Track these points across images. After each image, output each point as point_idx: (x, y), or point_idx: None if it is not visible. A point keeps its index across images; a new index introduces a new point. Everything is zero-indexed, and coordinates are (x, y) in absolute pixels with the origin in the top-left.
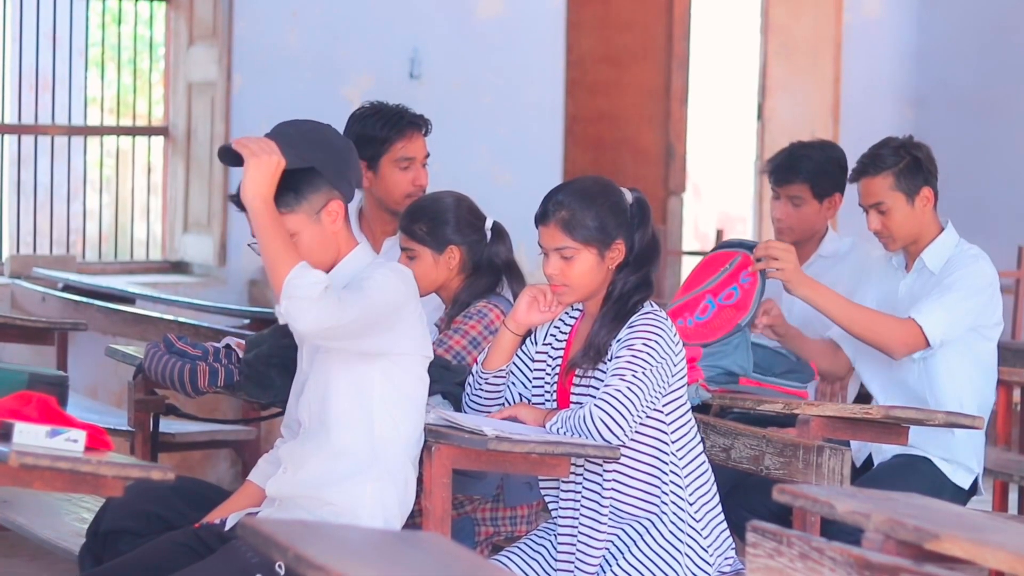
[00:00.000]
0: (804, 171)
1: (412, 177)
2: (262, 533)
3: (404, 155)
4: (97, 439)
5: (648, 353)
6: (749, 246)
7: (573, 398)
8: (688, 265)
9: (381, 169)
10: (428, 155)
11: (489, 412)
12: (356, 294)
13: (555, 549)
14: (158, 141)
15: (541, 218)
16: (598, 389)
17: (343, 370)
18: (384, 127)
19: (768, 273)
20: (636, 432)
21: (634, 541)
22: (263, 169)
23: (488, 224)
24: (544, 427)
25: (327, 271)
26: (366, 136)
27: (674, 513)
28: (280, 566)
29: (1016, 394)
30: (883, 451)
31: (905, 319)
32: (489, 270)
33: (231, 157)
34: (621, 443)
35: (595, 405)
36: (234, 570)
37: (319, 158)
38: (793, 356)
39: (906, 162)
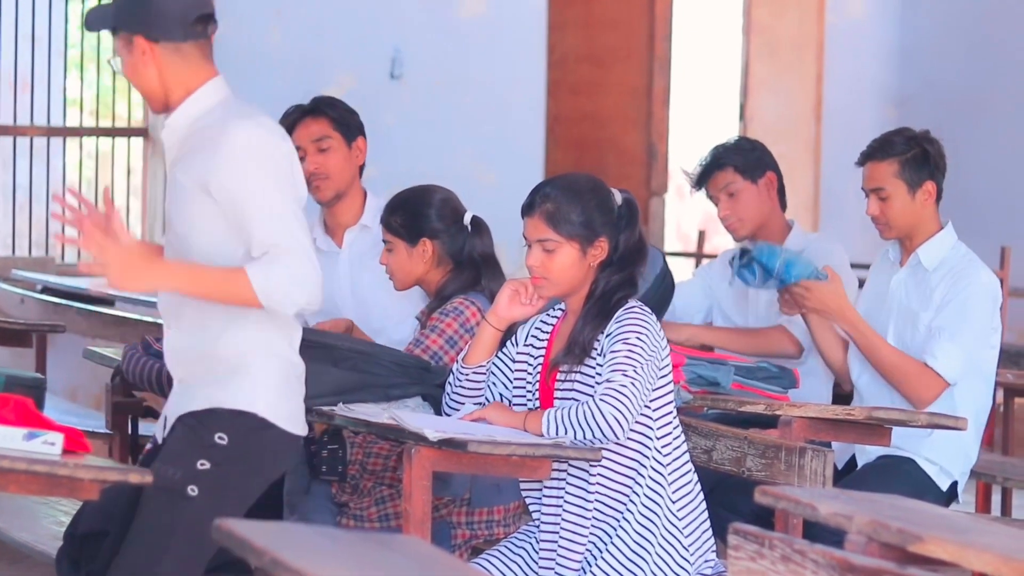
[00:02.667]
0: (723, 158)
1: (304, 166)
2: (237, 536)
3: (295, 145)
4: (75, 442)
5: (642, 347)
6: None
7: (557, 395)
8: (671, 268)
9: None
10: (323, 137)
11: (470, 409)
12: (274, 225)
13: (536, 551)
14: (137, 142)
15: (527, 209)
16: (584, 386)
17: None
18: (284, 126)
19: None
20: None
21: (610, 539)
22: (134, 277)
23: (467, 218)
24: (523, 429)
25: (177, 105)
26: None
27: (647, 507)
28: (193, 490)
29: (999, 395)
30: (867, 452)
31: (922, 366)
32: (470, 264)
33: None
34: (622, 437)
35: (602, 400)
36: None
37: (116, 15)
38: (775, 367)
39: (914, 153)
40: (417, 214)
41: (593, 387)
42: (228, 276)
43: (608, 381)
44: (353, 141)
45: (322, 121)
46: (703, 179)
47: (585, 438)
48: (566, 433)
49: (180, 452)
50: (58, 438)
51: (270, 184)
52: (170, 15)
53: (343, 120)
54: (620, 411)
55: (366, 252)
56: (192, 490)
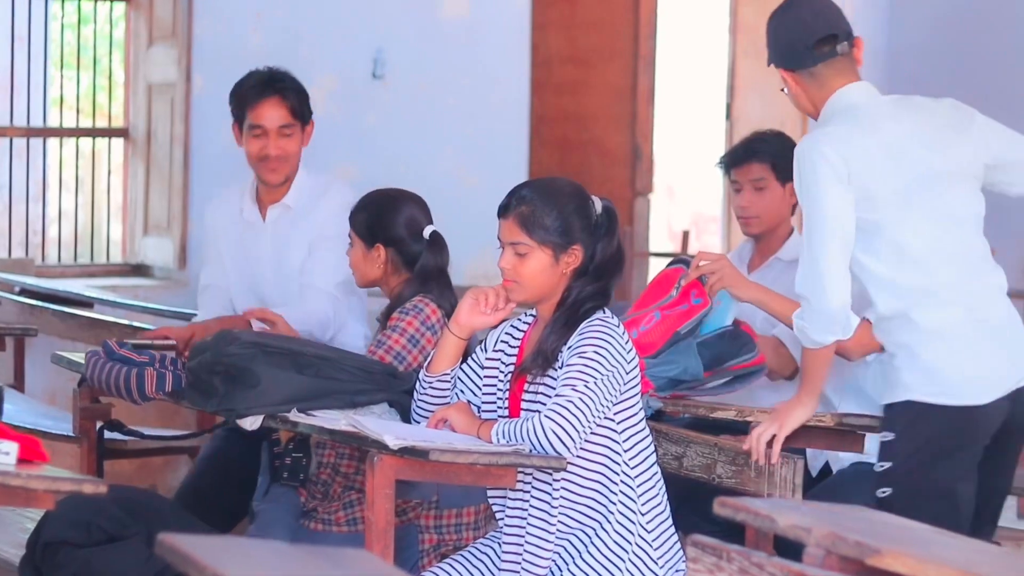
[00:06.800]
0: (763, 152)
1: (261, 145)
2: (179, 551)
3: (252, 122)
4: (31, 451)
5: (599, 361)
6: (688, 262)
7: (524, 404)
8: (656, 267)
9: (244, 134)
10: (288, 124)
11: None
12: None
13: (499, 558)
14: (118, 143)
15: (502, 210)
16: (547, 397)
17: None
18: (240, 94)
19: (707, 285)
20: (586, 440)
21: (579, 553)
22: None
23: (427, 232)
24: (477, 436)
25: None
26: (233, 107)
27: (620, 523)
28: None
29: None
30: (841, 459)
31: (859, 320)
32: (422, 277)
33: None
34: (569, 453)
35: (546, 416)
36: None
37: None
38: (724, 330)
39: None
40: (381, 219)
41: None
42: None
43: (557, 396)
44: (306, 126)
45: (285, 107)
46: (736, 164)
47: (533, 452)
48: (513, 445)
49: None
50: (12, 447)
51: None
52: (793, 48)
53: (301, 107)
54: (564, 428)
55: (289, 231)
56: (883, 492)
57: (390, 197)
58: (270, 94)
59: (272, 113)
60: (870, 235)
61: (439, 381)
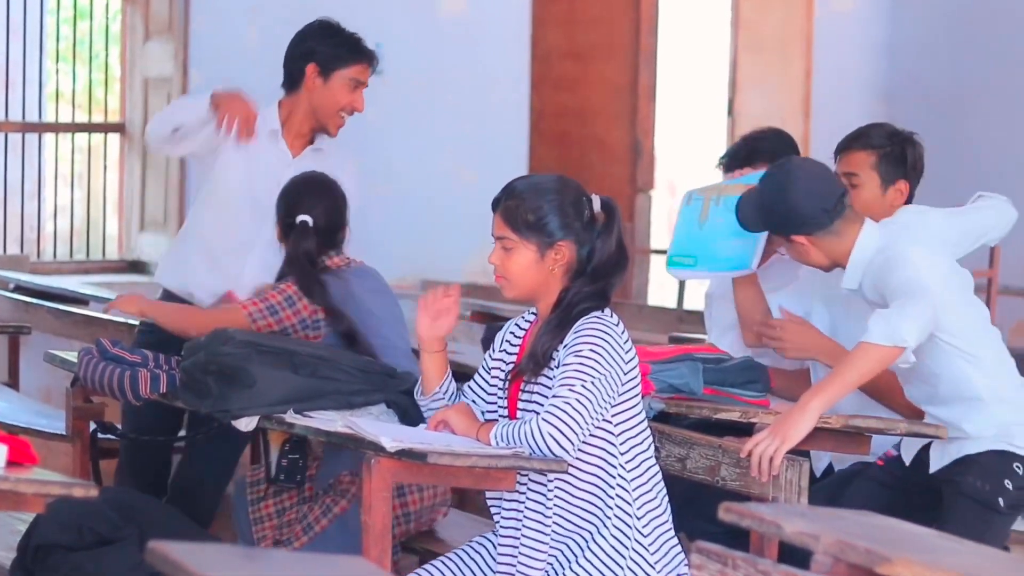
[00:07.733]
0: (764, 151)
1: (355, 99)
2: (171, 559)
3: (358, 78)
4: (21, 452)
5: (596, 360)
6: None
7: (520, 405)
8: (657, 264)
9: (332, 80)
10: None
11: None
12: None
13: (494, 559)
14: (114, 138)
15: (494, 204)
16: (543, 397)
17: None
18: (349, 46)
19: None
20: (583, 442)
21: (576, 557)
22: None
23: (298, 219)
24: (476, 438)
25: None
26: (328, 51)
27: (616, 527)
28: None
29: None
30: (844, 459)
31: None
32: (287, 261)
33: None
34: (569, 456)
35: (543, 419)
36: None
37: (769, 224)
38: (746, 362)
39: (894, 150)
40: (282, 196)
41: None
42: None
43: (554, 397)
44: None
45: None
46: (738, 165)
47: (533, 455)
48: (511, 448)
49: (991, 470)
50: (1, 449)
51: None
52: (815, 216)
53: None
54: (561, 431)
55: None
56: (1000, 502)
57: (305, 180)
58: (369, 55)
59: (368, 72)
60: (954, 325)
61: (433, 401)
